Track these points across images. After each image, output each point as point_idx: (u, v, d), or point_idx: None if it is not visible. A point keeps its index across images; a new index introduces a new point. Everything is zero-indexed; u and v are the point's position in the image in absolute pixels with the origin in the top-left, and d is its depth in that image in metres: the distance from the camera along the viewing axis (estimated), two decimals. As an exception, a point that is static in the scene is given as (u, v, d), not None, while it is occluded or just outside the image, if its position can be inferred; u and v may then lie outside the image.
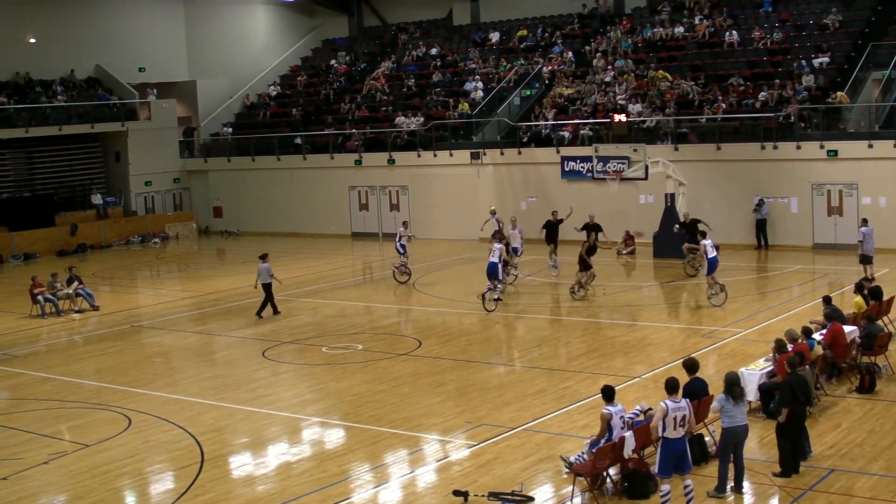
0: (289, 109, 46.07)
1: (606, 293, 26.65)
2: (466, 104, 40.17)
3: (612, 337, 21.79)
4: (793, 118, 32.82)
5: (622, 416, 12.83)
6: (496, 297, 24.66)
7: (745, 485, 12.76)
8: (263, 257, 25.99)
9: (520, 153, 37.03)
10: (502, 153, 37.46)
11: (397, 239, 29.63)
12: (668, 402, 11.93)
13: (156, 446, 15.69)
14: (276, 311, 25.76)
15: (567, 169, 35.38)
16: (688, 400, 12.46)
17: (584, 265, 25.39)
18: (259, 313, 25.55)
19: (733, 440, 12.49)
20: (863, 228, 26.01)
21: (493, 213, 30.40)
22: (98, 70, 45.70)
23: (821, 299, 19.08)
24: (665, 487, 11.90)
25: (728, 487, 12.54)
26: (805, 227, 31.99)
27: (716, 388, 13.68)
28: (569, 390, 17.54)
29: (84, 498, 13.69)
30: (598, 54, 40.31)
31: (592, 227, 28.04)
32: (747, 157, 32.87)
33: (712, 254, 23.67)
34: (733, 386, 12.47)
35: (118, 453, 15.36)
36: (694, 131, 34.42)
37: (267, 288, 25.57)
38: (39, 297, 27.34)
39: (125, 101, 44.83)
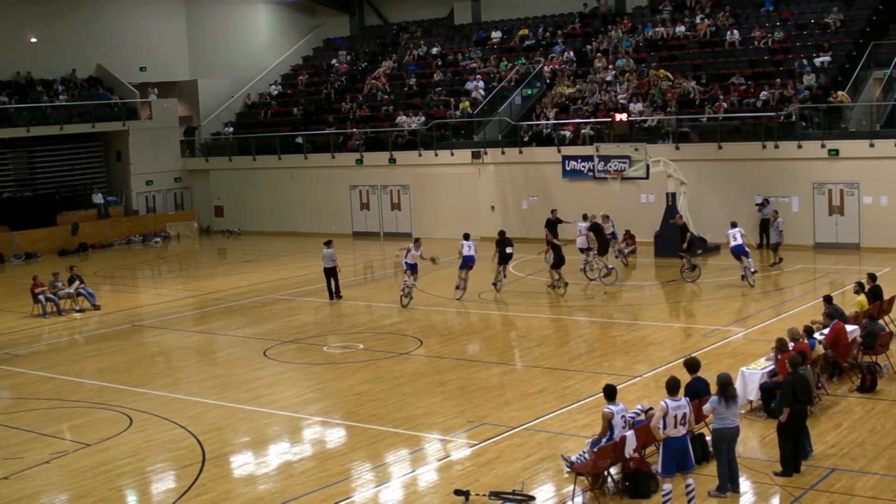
0: (290, 109, 46.07)
1: (608, 292, 26.69)
2: (467, 103, 40.16)
3: (613, 336, 21.79)
4: (794, 117, 32.82)
5: (623, 416, 12.82)
6: (753, 270, 26.33)
7: (746, 484, 12.79)
8: (328, 243, 27.17)
9: (521, 152, 37.03)
10: (503, 152, 37.45)
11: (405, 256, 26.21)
12: (668, 401, 11.95)
13: (157, 446, 15.69)
14: (338, 296, 27.11)
15: (568, 168, 35.38)
16: (688, 399, 12.49)
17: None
18: (336, 296, 27.04)
19: (723, 440, 12.50)
20: (779, 220, 29.99)
21: (607, 217, 29.67)
22: (99, 69, 45.71)
23: (821, 298, 19.10)
24: (667, 486, 11.91)
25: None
26: (806, 226, 32.00)
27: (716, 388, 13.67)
28: (570, 390, 17.54)
29: (85, 497, 13.70)
30: (599, 53, 40.31)
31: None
32: (748, 157, 32.88)
33: (468, 252, 25.75)
34: (727, 387, 12.47)
35: (119, 452, 15.37)
36: (695, 130, 34.41)
37: (332, 272, 26.95)
38: (41, 297, 27.36)
39: (126, 100, 44.84)
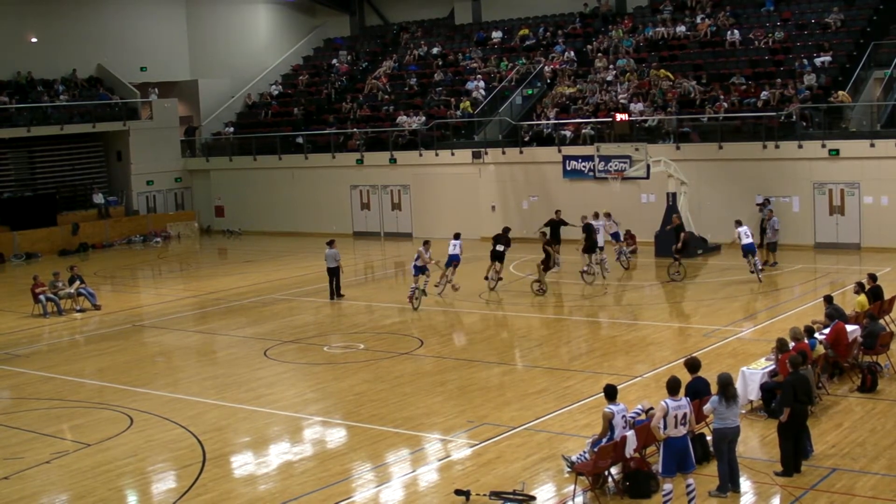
0: (290, 109, 46.07)
1: (608, 292, 26.69)
2: (468, 103, 40.16)
3: (613, 336, 21.79)
4: (794, 117, 32.81)
5: (624, 416, 12.82)
6: (761, 268, 26.84)
7: (747, 484, 12.79)
8: (331, 243, 27.38)
9: (521, 152, 37.02)
10: (504, 152, 37.45)
11: (416, 259, 25.68)
12: (668, 401, 11.94)
13: (157, 445, 15.69)
14: (339, 295, 27.28)
15: (569, 168, 35.37)
16: (688, 399, 12.49)
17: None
18: (336, 295, 27.21)
19: (724, 440, 12.51)
20: (774, 219, 29.72)
21: (609, 215, 29.77)
22: (100, 69, 45.71)
23: (822, 298, 19.10)
24: (667, 486, 11.91)
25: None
26: (806, 226, 31.99)
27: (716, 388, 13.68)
28: (570, 389, 17.54)
29: (85, 497, 13.70)
30: (600, 53, 40.30)
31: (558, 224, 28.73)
32: (749, 157, 32.87)
33: (452, 251, 26.36)
34: (727, 387, 12.48)
35: (120, 452, 15.37)
36: (695, 130, 34.40)
37: (334, 272, 27.15)
38: (41, 297, 27.37)
39: (127, 100, 44.85)
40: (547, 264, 26.52)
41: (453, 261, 26.34)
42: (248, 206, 44.36)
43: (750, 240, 26.33)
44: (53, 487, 14.17)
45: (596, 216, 28.84)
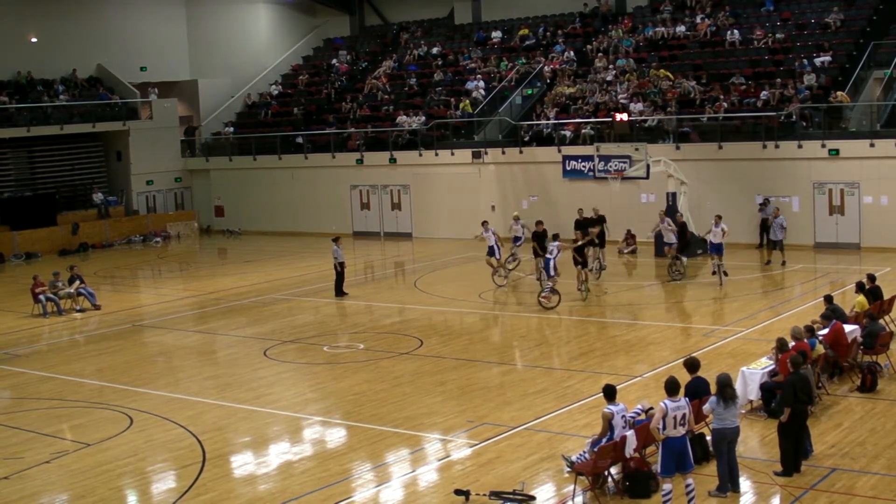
0: (290, 108, 46.08)
1: (608, 292, 26.68)
2: (468, 103, 40.15)
3: (613, 336, 21.79)
4: (794, 117, 32.81)
5: (624, 416, 12.83)
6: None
7: (746, 484, 12.79)
8: (336, 240, 27.66)
9: (521, 152, 37.02)
10: (504, 152, 37.45)
11: (553, 256, 24.29)
12: (667, 401, 11.95)
13: (157, 445, 15.70)
14: (338, 293, 27.48)
15: (568, 168, 35.35)
16: (688, 399, 12.50)
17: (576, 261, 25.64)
18: (337, 294, 27.48)
19: (723, 440, 12.51)
20: (780, 217, 29.84)
21: (517, 219, 29.67)
22: (99, 69, 45.72)
23: (822, 298, 19.10)
24: (667, 486, 11.91)
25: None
26: (806, 226, 31.99)
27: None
28: (570, 389, 17.54)
29: (85, 497, 13.70)
30: (600, 53, 40.30)
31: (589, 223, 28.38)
32: (749, 156, 32.87)
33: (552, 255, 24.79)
34: (725, 388, 12.48)
35: (120, 452, 15.37)
36: (695, 130, 34.41)
37: (336, 268, 27.47)
38: (41, 297, 27.37)
39: (127, 100, 44.84)
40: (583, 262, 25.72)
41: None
42: (247, 205, 44.37)
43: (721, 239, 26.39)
44: (53, 487, 14.17)
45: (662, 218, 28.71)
